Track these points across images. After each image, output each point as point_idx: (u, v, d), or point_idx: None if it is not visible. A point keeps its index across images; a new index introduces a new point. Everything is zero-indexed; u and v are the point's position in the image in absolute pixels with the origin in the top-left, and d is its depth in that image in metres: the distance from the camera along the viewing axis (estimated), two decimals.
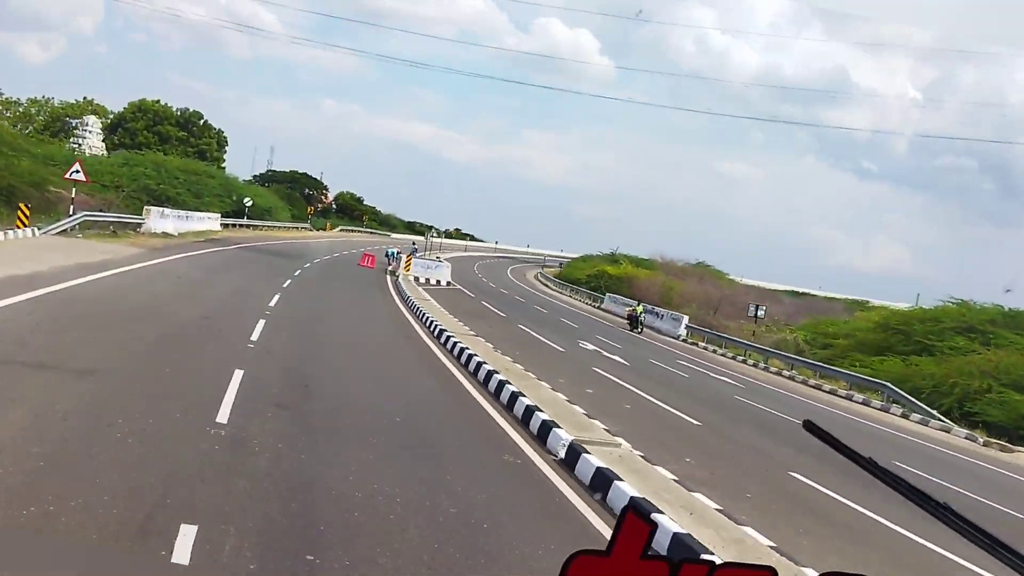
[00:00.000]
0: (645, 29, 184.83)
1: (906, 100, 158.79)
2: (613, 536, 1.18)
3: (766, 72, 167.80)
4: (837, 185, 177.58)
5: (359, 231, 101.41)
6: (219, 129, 75.24)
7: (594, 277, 69.04)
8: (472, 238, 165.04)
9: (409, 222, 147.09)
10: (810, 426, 1.42)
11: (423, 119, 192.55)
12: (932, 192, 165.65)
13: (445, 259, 48.54)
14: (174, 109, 73.06)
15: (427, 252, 69.27)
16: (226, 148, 76.30)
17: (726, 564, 1.24)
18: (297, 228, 70.89)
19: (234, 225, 51.85)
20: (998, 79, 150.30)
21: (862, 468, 1.33)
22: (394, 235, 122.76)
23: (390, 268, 44.94)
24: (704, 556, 5.88)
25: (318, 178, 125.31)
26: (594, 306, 53.26)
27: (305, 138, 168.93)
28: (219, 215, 47.91)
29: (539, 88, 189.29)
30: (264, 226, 58.65)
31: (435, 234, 75.80)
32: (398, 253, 50.80)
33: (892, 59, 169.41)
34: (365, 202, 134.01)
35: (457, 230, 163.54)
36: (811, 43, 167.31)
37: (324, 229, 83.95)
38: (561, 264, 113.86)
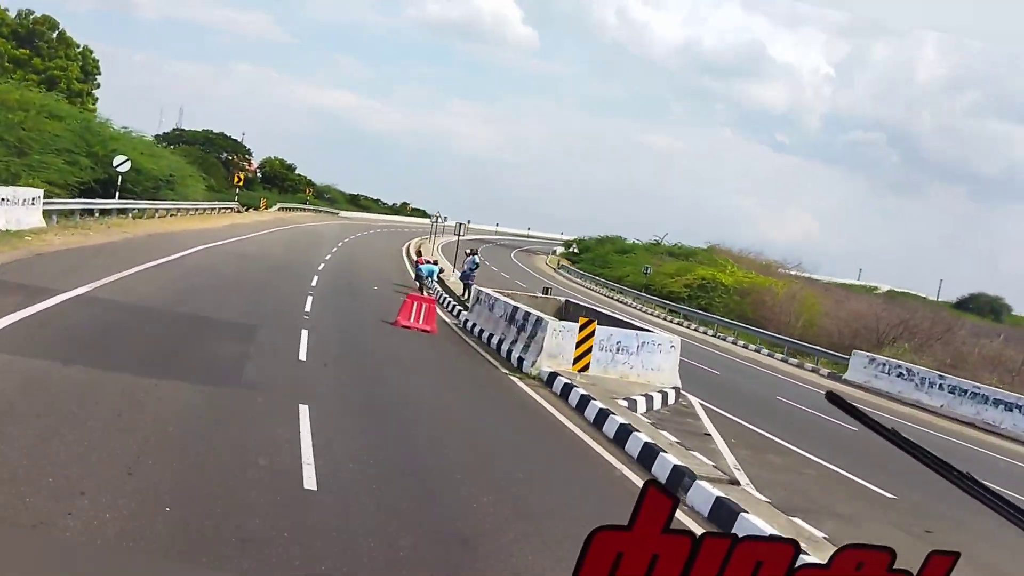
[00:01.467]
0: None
1: (819, 75, 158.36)
2: (634, 511, 1.16)
3: (686, 45, 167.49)
4: (753, 157, 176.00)
5: (302, 209, 73.51)
6: (83, 47, 46.30)
7: (698, 290, 43.96)
8: (424, 214, 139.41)
9: (352, 195, 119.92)
10: (833, 398, 1.40)
11: (344, 87, 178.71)
12: (842, 165, 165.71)
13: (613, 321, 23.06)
14: (9, 13, 44.10)
15: (433, 238, 43.53)
16: (97, 78, 47.45)
17: (748, 537, 1.25)
18: (217, 210, 43.55)
19: (89, 213, 24.68)
20: (905, 56, 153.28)
21: (886, 439, 1.31)
22: (343, 213, 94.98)
23: (432, 295, 19.23)
24: None
25: (239, 140, 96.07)
26: (816, 372, 27.54)
27: (219, 103, 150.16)
28: (40, 193, 20.68)
29: (464, 57, 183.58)
30: (159, 209, 31.46)
31: (441, 219, 49.80)
32: (440, 272, 24.74)
33: (807, 34, 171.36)
34: (298, 171, 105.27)
35: (405, 204, 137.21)
36: (730, 17, 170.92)
37: (258, 208, 56.47)
38: (555, 250, 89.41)
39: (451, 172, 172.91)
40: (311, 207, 77.69)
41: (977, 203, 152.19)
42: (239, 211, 48.90)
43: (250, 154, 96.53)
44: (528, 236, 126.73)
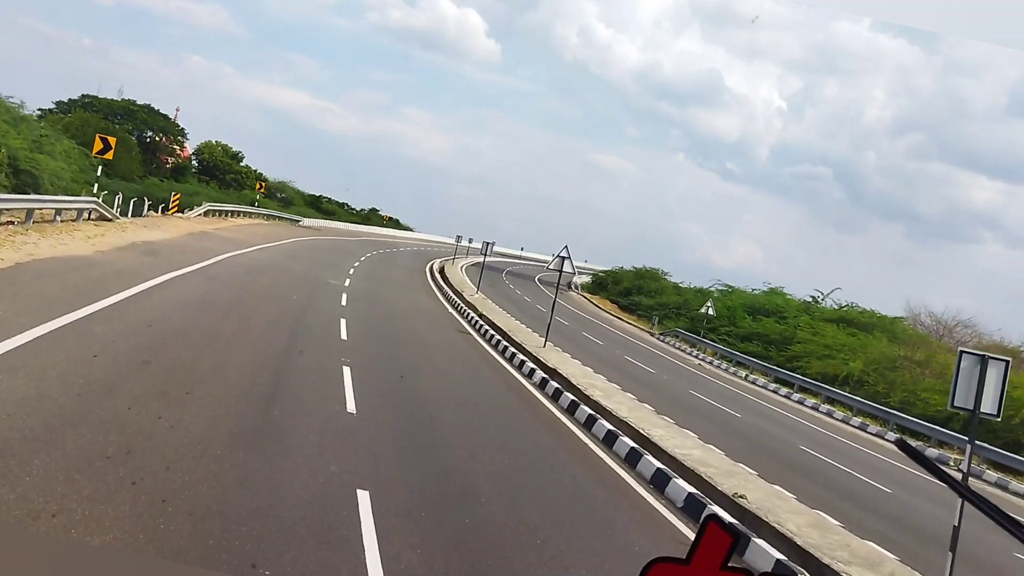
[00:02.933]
0: (532, 16, 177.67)
1: (772, 108, 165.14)
2: (693, 544, 1.13)
3: (646, 69, 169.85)
4: (702, 183, 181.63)
5: (249, 215, 47.69)
6: None
7: None
8: (399, 224, 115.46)
9: (313, 196, 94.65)
10: (903, 445, 1.35)
11: (300, 87, 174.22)
12: (788, 197, 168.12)
13: None
14: None
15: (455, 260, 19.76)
16: None
17: None
18: (56, 216, 18.33)
19: None
20: (853, 94, 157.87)
21: (957, 493, 1.30)
22: (306, 221, 69.07)
23: None
24: None
25: (170, 117, 70.17)
26: None
27: (167, 93, 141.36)
28: None
29: (424, 66, 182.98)
30: None
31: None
32: None
33: (762, 67, 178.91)
34: (246, 162, 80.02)
35: (374, 211, 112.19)
36: (690, 45, 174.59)
37: (168, 210, 30.96)
38: (572, 284, 66.50)
39: (403, 178, 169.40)
40: (261, 211, 51.97)
41: (914, 242, 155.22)
42: (112, 219, 23.30)
43: (184, 135, 70.44)
44: (521, 259, 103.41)
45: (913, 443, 23.17)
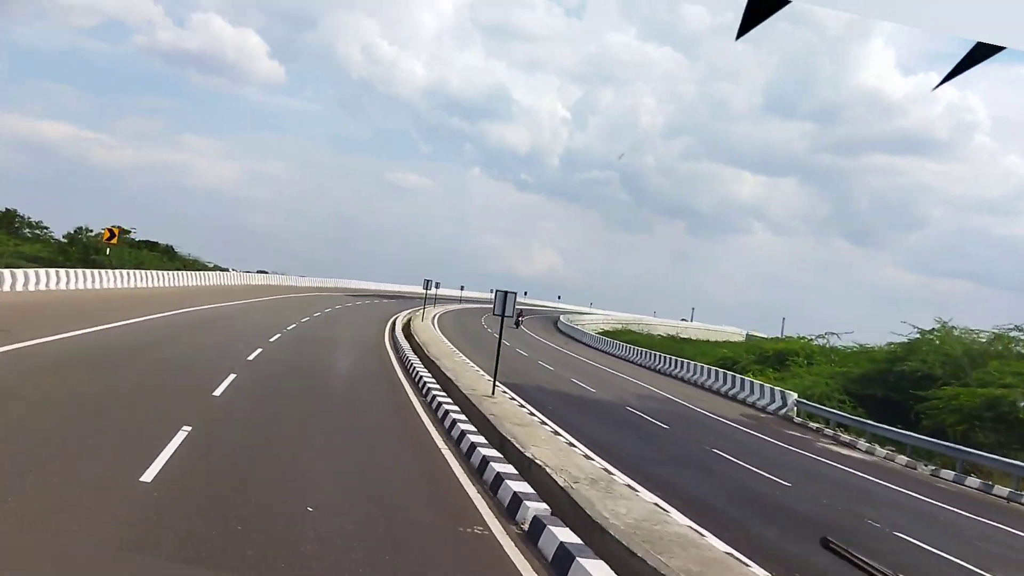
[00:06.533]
0: (312, 34, 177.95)
1: (557, 118, 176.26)
2: None
3: (434, 86, 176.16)
4: (499, 196, 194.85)
5: None
6: None
7: None
8: (155, 247, 59.81)
9: (71, 232, 53.65)
10: (826, 543, 1.34)
11: (59, 117, 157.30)
12: (580, 203, 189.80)
13: None
14: None
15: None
16: None
17: None
18: None
19: None
20: (628, 101, 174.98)
21: None
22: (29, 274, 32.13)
23: None
24: None
25: None
26: None
27: None
28: None
29: (203, 90, 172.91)
30: None
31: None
32: None
33: (544, 79, 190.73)
34: None
35: (148, 244, 60.39)
36: (474, 59, 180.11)
37: None
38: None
39: (187, 208, 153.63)
40: None
41: (695, 236, 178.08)
42: None
43: None
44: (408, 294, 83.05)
45: None
